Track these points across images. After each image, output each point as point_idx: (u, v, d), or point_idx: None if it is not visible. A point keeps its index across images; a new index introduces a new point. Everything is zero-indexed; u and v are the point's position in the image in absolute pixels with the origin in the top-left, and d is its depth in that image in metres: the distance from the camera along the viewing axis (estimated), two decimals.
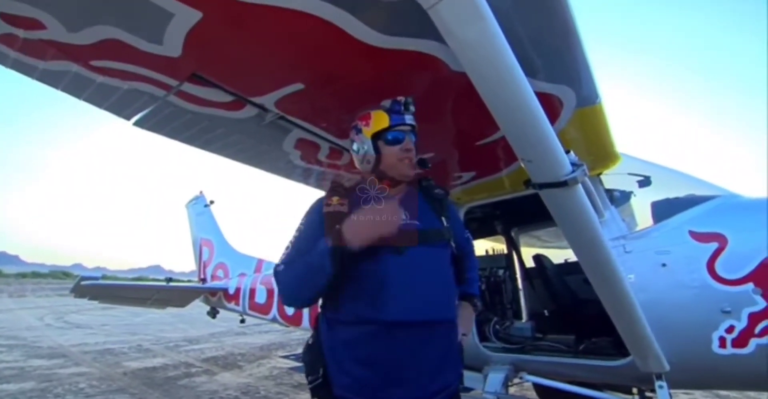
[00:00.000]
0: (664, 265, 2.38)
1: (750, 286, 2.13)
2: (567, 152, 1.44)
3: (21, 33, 1.33)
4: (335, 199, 1.38)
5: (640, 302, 2.37)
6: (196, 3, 1.19)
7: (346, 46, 1.35)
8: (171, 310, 7.87)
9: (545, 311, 3.90)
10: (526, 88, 1.26)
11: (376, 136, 1.42)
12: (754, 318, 2.10)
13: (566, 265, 3.87)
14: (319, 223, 1.36)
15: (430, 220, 1.44)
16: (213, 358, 7.19)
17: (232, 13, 1.22)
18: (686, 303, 2.27)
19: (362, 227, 1.25)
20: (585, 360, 2.67)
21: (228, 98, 1.69)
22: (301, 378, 5.41)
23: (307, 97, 1.66)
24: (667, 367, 2.19)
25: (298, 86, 1.60)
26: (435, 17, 1.13)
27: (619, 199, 3.08)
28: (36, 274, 52.62)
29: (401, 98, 1.43)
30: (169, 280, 6.37)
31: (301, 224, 1.45)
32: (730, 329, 2.15)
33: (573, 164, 1.43)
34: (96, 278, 5.17)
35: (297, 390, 5.01)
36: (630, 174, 3.05)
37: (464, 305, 1.57)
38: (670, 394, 2.20)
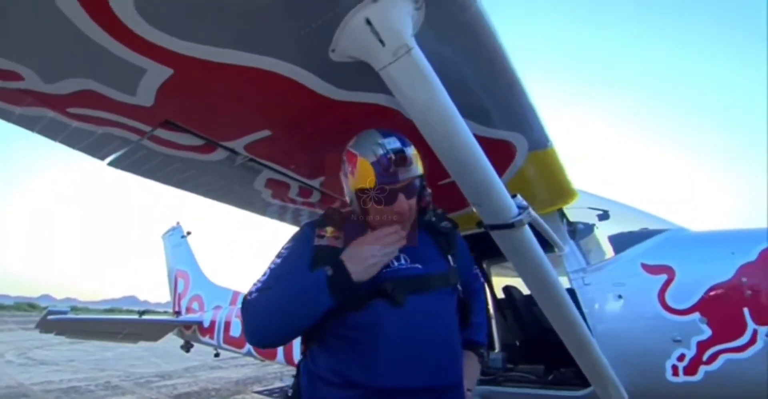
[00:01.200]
0: (620, 296, 2.51)
1: (697, 315, 2.25)
2: (513, 196, 1.55)
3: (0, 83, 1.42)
4: (330, 229, 1.20)
5: (599, 333, 2.49)
6: (167, 61, 1.30)
7: (307, 99, 1.47)
8: (144, 344, 7.61)
9: (516, 342, 3.96)
10: (471, 141, 1.37)
11: (362, 191, 1.19)
12: (702, 346, 2.22)
13: None
14: (306, 255, 1.19)
15: (435, 261, 1.26)
16: (186, 394, 6.92)
17: (200, 70, 1.33)
18: (641, 333, 2.38)
19: (355, 272, 1.08)
20: (551, 390, 2.74)
21: (199, 142, 1.78)
22: None
23: (274, 143, 1.77)
24: (626, 397, 2.25)
25: (266, 133, 1.71)
26: (385, 78, 1.26)
27: (583, 231, 3.24)
28: None
29: (391, 154, 1.14)
30: (142, 313, 6.23)
31: (283, 250, 1.25)
32: (681, 357, 2.26)
33: (519, 207, 1.54)
34: (64, 312, 5.03)
35: None
36: (590, 208, 3.23)
37: (469, 355, 1.37)
38: None
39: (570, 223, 3.08)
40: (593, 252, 3.09)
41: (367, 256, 1.10)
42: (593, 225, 3.31)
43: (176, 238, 7.40)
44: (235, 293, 5.90)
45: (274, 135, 1.72)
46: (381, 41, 1.17)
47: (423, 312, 1.16)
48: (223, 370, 9.78)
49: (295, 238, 1.27)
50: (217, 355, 6.17)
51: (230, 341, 5.28)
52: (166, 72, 1.34)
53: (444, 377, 1.16)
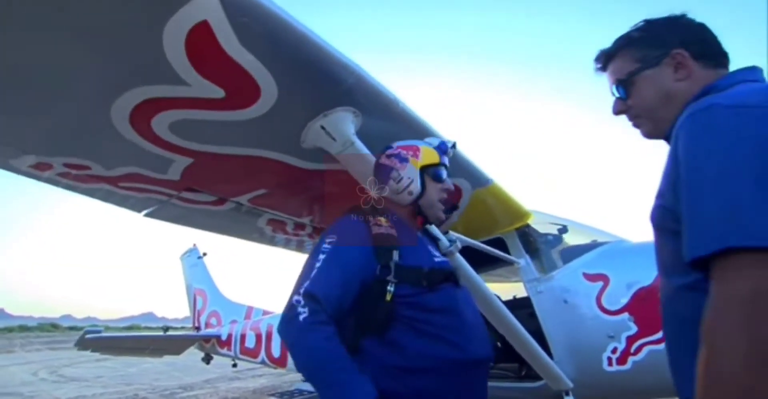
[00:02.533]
0: (566, 301, 2.99)
1: (626, 315, 2.72)
2: (445, 233, 2.08)
3: (73, 171, 2.00)
4: (383, 219, 1.31)
5: (551, 332, 2.97)
6: (189, 155, 1.88)
7: (288, 170, 2.04)
8: (165, 359, 8.18)
9: (498, 343, 4.44)
10: None
11: (424, 170, 1.41)
12: (631, 340, 2.68)
13: (514, 301, 4.45)
14: (360, 243, 1.25)
15: None
16: None
17: (212, 158, 1.90)
18: (583, 331, 2.86)
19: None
20: (517, 383, 3.24)
21: (213, 199, 2.35)
22: None
23: (270, 196, 2.34)
24: (571, 385, 2.72)
25: (263, 191, 2.28)
26: (339, 159, 1.81)
27: (552, 241, 3.74)
28: (23, 328, 51.15)
29: (451, 142, 1.50)
30: (167, 329, 6.82)
31: (334, 243, 1.25)
32: (614, 350, 2.72)
33: (450, 241, 2.06)
34: (98, 331, 5.65)
35: None
36: (551, 223, 3.74)
37: None
38: None
39: (537, 237, 3.58)
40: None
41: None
42: (561, 236, 3.81)
43: (193, 258, 7.99)
44: (249, 308, 6.47)
45: (268, 192, 2.29)
46: (333, 138, 1.73)
47: (468, 295, 1.38)
48: (241, 381, 10.31)
49: (345, 231, 1.30)
50: (234, 365, 6.73)
51: (246, 352, 5.84)
52: (188, 160, 1.92)
53: (491, 349, 1.33)
